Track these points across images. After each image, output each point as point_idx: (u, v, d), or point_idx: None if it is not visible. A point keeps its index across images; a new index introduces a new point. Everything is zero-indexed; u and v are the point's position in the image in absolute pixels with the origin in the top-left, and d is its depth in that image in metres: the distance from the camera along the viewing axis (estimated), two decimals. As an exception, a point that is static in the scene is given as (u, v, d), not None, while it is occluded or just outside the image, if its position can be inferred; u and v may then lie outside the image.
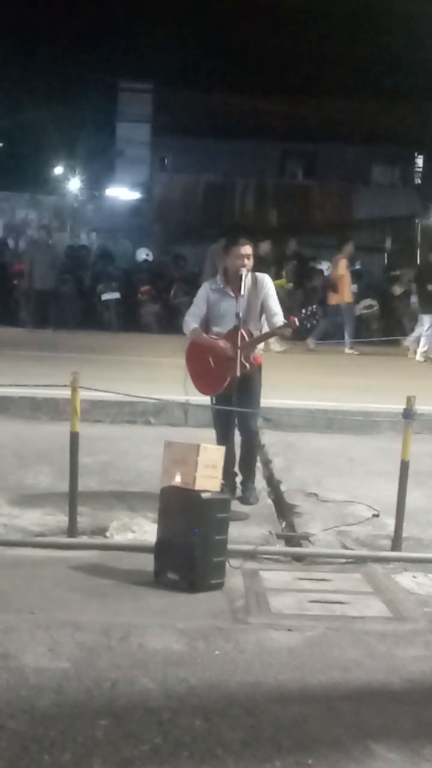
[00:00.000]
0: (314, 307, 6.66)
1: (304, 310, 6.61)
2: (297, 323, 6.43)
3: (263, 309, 6.49)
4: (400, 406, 5.76)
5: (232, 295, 6.42)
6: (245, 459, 6.71)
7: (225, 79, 32.87)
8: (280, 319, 6.43)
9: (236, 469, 6.66)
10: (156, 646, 4.12)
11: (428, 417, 8.40)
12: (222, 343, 6.39)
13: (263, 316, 6.53)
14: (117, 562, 5.24)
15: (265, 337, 6.42)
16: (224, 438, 6.35)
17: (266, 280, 6.61)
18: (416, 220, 28.80)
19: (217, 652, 4.09)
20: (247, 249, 6.45)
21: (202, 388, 6.63)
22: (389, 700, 3.76)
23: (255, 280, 6.53)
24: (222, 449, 5.31)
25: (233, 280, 6.44)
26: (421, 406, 5.89)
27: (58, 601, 4.63)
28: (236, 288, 6.37)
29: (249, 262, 6.45)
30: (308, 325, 6.63)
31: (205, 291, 6.66)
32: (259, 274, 6.63)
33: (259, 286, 6.52)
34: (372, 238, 27.33)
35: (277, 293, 6.82)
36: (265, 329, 6.52)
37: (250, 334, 6.38)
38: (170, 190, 31.02)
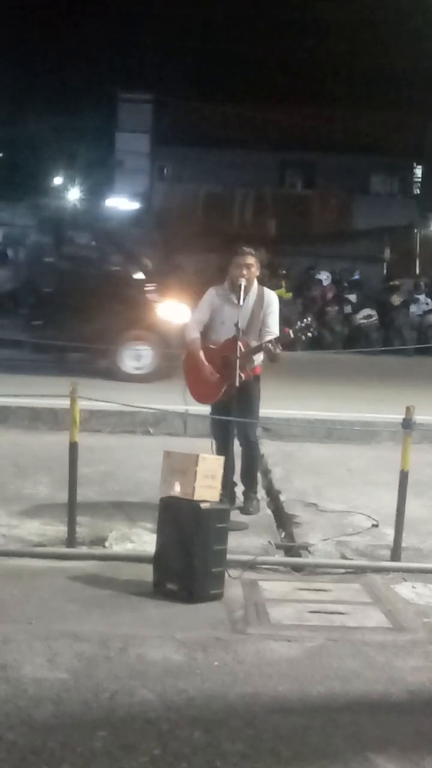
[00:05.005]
0: (309, 318, 6.62)
1: (299, 322, 6.55)
2: (291, 335, 6.41)
3: (263, 324, 6.48)
4: (400, 416, 5.75)
5: (236, 303, 6.39)
6: (246, 469, 6.69)
7: (224, 90, 33.01)
8: (270, 336, 6.38)
9: (236, 479, 6.65)
10: (155, 656, 4.11)
11: (427, 427, 8.39)
12: (209, 372, 6.38)
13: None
14: (116, 573, 5.23)
15: (256, 350, 6.39)
16: (223, 448, 6.33)
17: (271, 298, 6.58)
18: (415, 230, 28.89)
19: (216, 663, 4.08)
20: (246, 259, 6.44)
21: (199, 397, 6.62)
22: (388, 710, 3.75)
23: (262, 295, 6.52)
24: (221, 459, 5.30)
25: (236, 289, 6.43)
26: (421, 416, 5.89)
27: (57, 612, 4.63)
28: (237, 297, 6.37)
29: (248, 272, 6.43)
30: (303, 338, 6.58)
31: (210, 296, 6.64)
32: (266, 290, 6.61)
33: (265, 302, 6.51)
34: (370, 248, 27.41)
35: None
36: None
37: (247, 345, 6.36)
38: (169, 200, 31.11)
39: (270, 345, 6.25)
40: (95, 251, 13.17)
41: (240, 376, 6.25)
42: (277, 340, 6.29)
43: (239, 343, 6.24)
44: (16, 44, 33.87)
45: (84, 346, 11.82)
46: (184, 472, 4.98)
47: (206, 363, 6.41)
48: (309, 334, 6.58)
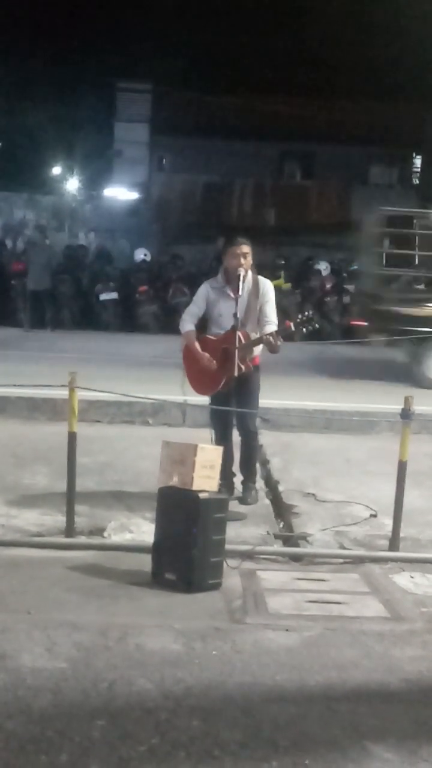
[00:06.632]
0: (311, 312, 6.65)
1: (300, 315, 6.56)
2: (292, 328, 6.41)
3: (260, 313, 6.48)
4: (398, 406, 5.75)
5: (232, 295, 6.40)
6: (245, 460, 6.70)
7: (223, 80, 32.90)
8: (271, 327, 6.40)
9: (234, 469, 6.66)
10: (153, 646, 4.12)
11: (426, 417, 8.40)
12: (207, 360, 6.39)
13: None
14: (115, 563, 5.24)
15: (257, 342, 6.40)
16: (222, 438, 6.34)
17: (267, 286, 6.58)
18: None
19: (214, 653, 4.09)
20: (243, 248, 6.43)
21: (199, 388, 6.62)
22: (386, 700, 3.76)
23: (257, 283, 6.51)
24: (219, 449, 5.31)
25: (232, 280, 6.43)
26: (419, 406, 5.89)
27: (56, 602, 4.63)
28: (235, 288, 6.36)
29: (246, 262, 6.43)
30: (304, 330, 6.61)
31: (205, 289, 6.65)
32: (261, 278, 6.60)
33: (261, 290, 6.50)
34: (370, 239, 27.34)
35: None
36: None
37: (247, 336, 6.36)
38: (168, 191, 31.05)
39: (271, 338, 6.25)
40: None
41: (240, 368, 6.26)
42: (278, 332, 6.29)
43: (239, 334, 6.25)
44: (14, 34, 33.75)
45: None
46: (183, 462, 4.98)
47: (202, 353, 6.42)
48: (310, 327, 6.58)
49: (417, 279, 13.49)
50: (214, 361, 6.37)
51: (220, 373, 6.36)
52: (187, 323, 6.59)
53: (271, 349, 6.33)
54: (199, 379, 6.55)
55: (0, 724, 3.36)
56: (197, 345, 6.48)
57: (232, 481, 6.61)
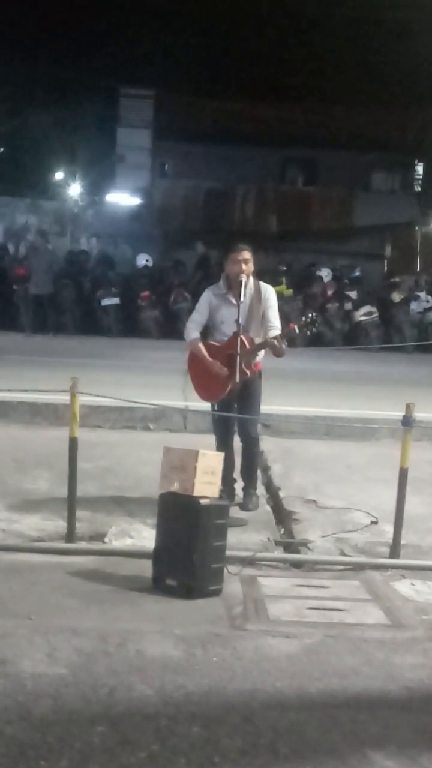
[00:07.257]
0: (314, 314, 6.70)
1: (303, 318, 6.59)
2: (297, 330, 6.42)
3: (263, 319, 6.49)
4: (399, 413, 5.76)
5: (233, 301, 6.42)
6: (246, 466, 6.70)
7: (226, 86, 32.94)
8: (275, 332, 6.41)
9: (236, 475, 6.66)
10: (154, 652, 4.11)
11: (427, 424, 8.37)
12: (218, 367, 6.40)
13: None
14: (115, 568, 5.24)
15: (261, 347, 6.41)
16: (224, 444, 6.35)
17: (269, 291, 6.59)
18: (416, 227, 28.87)
19: (214, 659, 4.09)
20: (245, 254, 6.45)
21: (203, 395, 6.63)
22: (387, 707, 3.75)
23: (258, 289, 6.53)
24: (221, 455, 5.31)
25: (234, 286, 6.45)
26: (420, 413, 5.89)
27: (56, 607, 4.63)
28: (237, 294, 6.37)
29: (247, 268, 6.45)
30: (308, 333, 6.65)
31: (207, 297, 6.67)
32: (263, 284, 6.62)
33: (263, 296, 6.51)
34: (371, 245, 27.39)
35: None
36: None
37: (251, 341, 6.37)
38: (170, 196, 31.06)
39: (275, 341, 6.26)
40: None
41: (245, 373, 6.27)
42: (282, 335, 6.30)
43: (242, 339, 6.26)
44: (16, 39, 33.77)
45: None
46: (184, 468, 4.98)
47: (213, 360, 6.42)
48: (314, 329, 6.60)
49: None
50: (226, 370, 6.38)
51: (226, 380, 6.37)
52: (192, 331, 6.61)
53: (276, 352, 6.33)
54: (204, 385, 6.56)
55: (0, 730, 3.36)
56: (204, 352, 6.49)
57: (233, 487, 6.61)
